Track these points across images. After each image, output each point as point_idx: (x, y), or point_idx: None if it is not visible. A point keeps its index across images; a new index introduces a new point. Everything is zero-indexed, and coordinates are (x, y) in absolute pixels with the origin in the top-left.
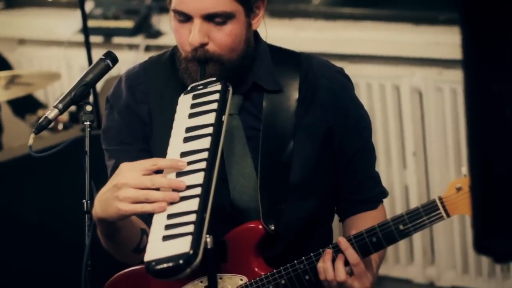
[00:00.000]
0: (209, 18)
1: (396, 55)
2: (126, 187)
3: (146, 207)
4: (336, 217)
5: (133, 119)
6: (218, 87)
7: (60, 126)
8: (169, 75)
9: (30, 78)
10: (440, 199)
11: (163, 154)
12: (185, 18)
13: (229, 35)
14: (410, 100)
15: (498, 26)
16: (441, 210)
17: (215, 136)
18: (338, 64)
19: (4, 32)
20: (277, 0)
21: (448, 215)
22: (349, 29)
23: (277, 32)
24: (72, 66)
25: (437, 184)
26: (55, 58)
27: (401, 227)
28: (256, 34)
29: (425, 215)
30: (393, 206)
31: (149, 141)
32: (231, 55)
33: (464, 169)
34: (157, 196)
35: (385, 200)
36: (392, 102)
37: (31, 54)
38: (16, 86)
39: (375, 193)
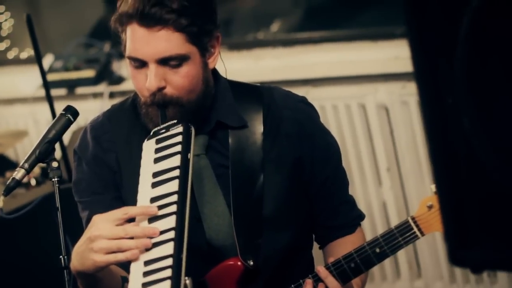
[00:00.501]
0: (164, 62)
1: (358, 74)
2: (100, 238)
3: (119, 256)
4: (315, 244)
5: (102, 169)
6: (180, 129)
7: (33, 182)
8: (133, 121)
9: None
10: (413, 218)
11: (135, 200)
12: (140, 64)
13: (186, 77)
14: (377, 116)
15: (444, 39)
16: (415, 229)
17: (183, 178)
18: (302, 89)
19: None
20: (234, 32)
21: (422, 234)
22: (309, 53)
23: (237, 64)
24: (38, 121)
25: (414, 197)
26: (21, 115)
27: (377, 250)
28: (215, 71)
29: (400, 236)
30: (373, 224)
31: (120, 188)
32: (190, 96)
33: (433, 187)
34: (129, 244)
35: (366, 220)
36: (360, 120)
37: None
38: None
39: (351, 217)
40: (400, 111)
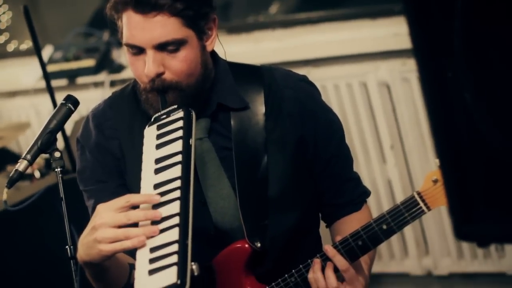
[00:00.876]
0: (161, 47)
1: (358, 52)
2: (103, 227)
3: (125, 244)
4: (322, 223)
5: (106, 156)
6: (180, 114)
7: (37, 174)
8: (134, 107)
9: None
10: (419, 193)
11: (138, 186)
12: (138, 50)
13: (184, 61)
14: (379, 94)
15: (442, 13)
16: (421, 204)
17: (185, 163)
18: (303, 69)
19: None
20: (233, 16)
21: (428, 209)
22: (308, 34)
23: (237, 48)
24: (40, 113)
25: (419, 174)
26: (23, 107)
27: (384, 226)
28: (214, 54)
29: (406, 211)
30: (379, 202)
31: (124, 175)
32: (189, 80)
33: (438, 161)
34: (136, 232)
35: (371, 197)
36: (362, 99)
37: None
38: None
39: (357, 194)
40: (402, 88)
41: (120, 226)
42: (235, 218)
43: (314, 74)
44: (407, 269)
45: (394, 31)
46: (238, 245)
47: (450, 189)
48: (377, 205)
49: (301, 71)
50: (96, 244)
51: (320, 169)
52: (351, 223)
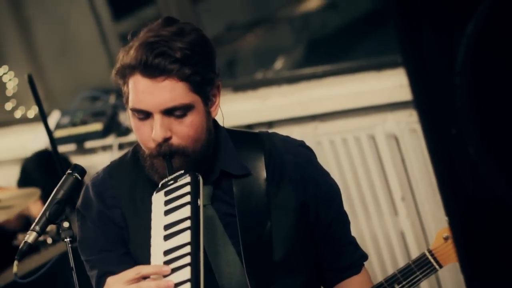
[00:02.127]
0: (169, 112)
1: (365, 105)
2: None
3: None
4: None
5: (108, 225)
6: (187, 179)
7: (49, 240)
8: (135, 175)
9: (9, 201)
10: (430, 251)
11: (143, 255)
12: (144, 115)
13: (191, 126)
14: (388, 146)
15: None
16: (433, 262)
17: (194, 228)
18: (310, 125)
19: None
20: (238, 73)
21: (440, 266)
22: (314, 89)
23: (244, 105)
24: None
25: (431, 224)
26: None
27: (396, 286)
28: (214, 121)
29: (418, 270)
30: (393, 255)
31: (128, 244)
32: (195, 145)
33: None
34: None
35: (385, 249)
36: (371, 152)
37: (7, 175)
38: None
39: (356, 258)
40: (410, 139)
41: None
42: (241, 284)
43: (321, 129)
44: None
45: (400, 82)
46: None
47: (460, 245)
48: (391, 257)
49: (308, 126)
50: None
51: (321, 234)
52: (352, 286)
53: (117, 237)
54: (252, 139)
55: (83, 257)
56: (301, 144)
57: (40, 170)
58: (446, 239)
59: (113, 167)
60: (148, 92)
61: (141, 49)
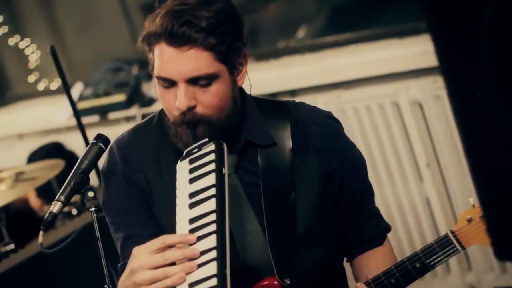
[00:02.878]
0: (194, 81)
1: (388, 72)
2: (142, 270)
3: (166, 283)
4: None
5: (133, 188)
6: (212, 147)
7: (74, 211)
8: (160, 139)
9: (33, 173)
10: (453, 232)
11: (166, 220)
12: (169, 83)
13: (216, 96)
14: (412, 113)
15: (467, 32)
16: (455, 243)
17: (220, 196)
18: (333, 92)
19: (2, 131)
20: (261, 42)
21: (463, 248)
22: (337, 56)
23: (267, 74)
24: (74, 151)
25: (456, 191)
26: None
27: (417, 265)
28: (241, 89)
29: (440, 250)
30: (418, 221)
31: (151, 208)
32: (220, 114)
33: (472, 200)
34: (175, 270)
35: (410, 217)
36: (395, 119)
37: (32, 147)
38: (21, 183)
39: (380, 230)
40: (434, 106)
41: (157, 267)
42: (263, 254)
43: (345, 97)
44: (451, 286)
45: (423, 49)
46: (268, 282)
47: (487, 209)
48: (417, 224)
49: (332, 94)
50: (136, 287)
51: (345, 205)
52: (374, 258)
53: (142, 201)
54: (279, 108)
55: (108, 219)
56: (329, 115)
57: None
58: (469, 221)
59: (138, 129)
60: (173, 61)
61: (167, 17)
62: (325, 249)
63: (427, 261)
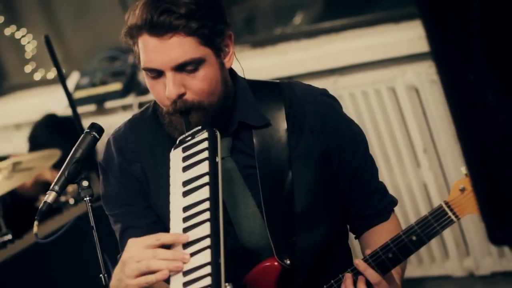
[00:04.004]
0: (180, 68)
1: (384, 58)
2: (130, 261)
3: (149, 278)
4: (351, 235)
5: (130, 180)
6: (205, 134)
7: (72, 201)
8: (155, 129)
9: (30, 163)
10: (446, 203)
11: (164, 209)
12: (157, 74)
13: (204, 80)
14: (408, 98)
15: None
16: (450, 214)
17: (213, 184)
18: (329, 79)
19: None
20: (257, 29)
21: (457, 218)
22: (333, 43)
23: (263, 61)
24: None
25: (454, 176)
26: None
27: (413, 238)
28: (232, 72)
29: (435, 221)
30: (416, 206)
31: (148, 198)
32: (211, 99)
33: (464, 169)
34: (159, 264)
35: (408, 202)
36: (391, 104)
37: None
38: (18, 173)
39: (384, 205)
40: (430, 91)
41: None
42: (262, 236)
43: (341, 83)
44: (449, 272)
45: (418, 34)
46: (268, 264)
47: (480, 194)
48: (414, 209)
49: (328, 80)
50: (124, 278)
51: (345, 182)
52: (380, 234)
53: (139, 191)
54: (272, 89)
55: (107, 212)
56: (323, 92)
57: (47, 133)
58: (462, 190)
59: (134, 121)
60: (156, 51)
61: (146, 8)
62: (325, 227)
63: (423, 233)
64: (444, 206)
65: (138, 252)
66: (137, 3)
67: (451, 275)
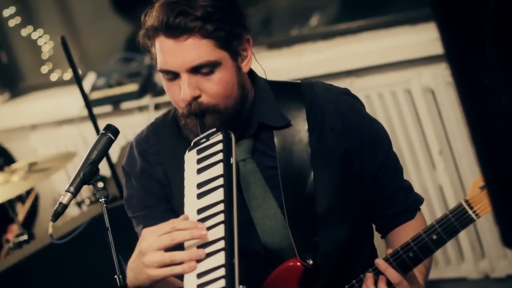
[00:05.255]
0: (195, 70)
1: (400, 59)
2: (150, 251)
3: (176, 270)
4: (377, 234)
5: (152, 182)
6: (219, 137)
7: (87, 201)
8: (177, 133)
9: (46, 163)
10: (467, 201)
11: (184, 212)
12: (173, 75)
13: (220, 83)
14: (424, 100)
15: (473, 20)
16: (470, 212)
17: (227, 186)
18: (346, 80)
19: (15, 121)
20: (274, 31)
21: (478, 216)
22: (349, 44)
23: (279, 63)
24: (88, 141)
25: (469, 178)
26: (70, 136)
27: (434, 237)
28: (252, 73)
29: (455, 220)
30: (431, 208)
31: (171, 200)
32: (227, 102)
33: None
34: (182, 255)
35: (424, 205)
36: (407, 106)
37: (46, 138)
38: (34, 173)
39: (409, 203)
40: (446, 93)
41: (166, 250)
42: (284, 237)
43: (357, 84)
44: (464, 274)
45: (435, 36)
46: (290, 264)
47: (494, 197)
48: (430, 211)
49: (344, 82)
50: (144, 268)
51: (368, 182)
52: (406, 232)
53: (161, 194)
54: (293, 89)
55: (129, 214)
56: (344, 91)
57: None
58: (482, 188)
59: (157, 124)
60: (172, 53)
61: (162, 10)
62: (348, 227)
63: (444, 232)
64: (464, 204)
65: (155, 240)
66: (154, 5)
67: (467, 277)
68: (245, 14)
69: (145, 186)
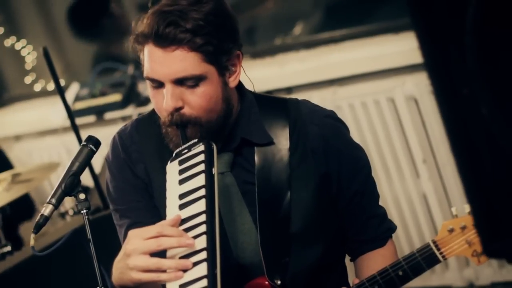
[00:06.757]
0: (180, 82)
1: (383, 68)
2: (135, 254)
3: (162, 277)
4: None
5: (135, 178)
6: (201, 147)
7: (70, 212)
8: (162, 133)
9: (29, 174)
10: (434, 242)
11: (164, 213)
12: (158, 84)
13: (203, 97)
14: (407, 108)
15: (452, 30)
16: (437, 253)
17: (209, 197)
18: (329, 89)
19: None
20: (257, 40)
21: (444, 258)
22: (332, 53)
23: (262, 72)
24: (71, 151)
25: (453, 186)
26: (53, 146)
27: (400, 273)
28: (240, 87)
29: (422, 259)
30: (415, 217)
31: (152, 199)
32: (209, 116)
33: (454, 209)
34: (169, 264)
35: (408, 213)
36: (390, 114)
37: (29, 148)
38: (17, 184)
39: (381, 231)
40: (430, 101)
41: (151, 254)
42: (255, 253)
43: (340, 93)
44: (448, 282)
45: (418, 44)
46: (258, 282)
47: (475, 207)
48: (414, 220)
49: (327, 90)
50: (128, 271)
51: (343, 205)
52: (375, 259)
53: (144, 190)
54: (279, 106)
55: (111, 207)
56: (329, 114)
57: None
58: (450, 231)
59: (141, 121)
60: (159, 62)
61: (154, 18)
62: (320, 249)
63: (410, 270)
64: (432, 245)
65: (141, 243)
66: (148, 12)
67: (451, 286)
68: (238, 29)
69: (129, 180)
